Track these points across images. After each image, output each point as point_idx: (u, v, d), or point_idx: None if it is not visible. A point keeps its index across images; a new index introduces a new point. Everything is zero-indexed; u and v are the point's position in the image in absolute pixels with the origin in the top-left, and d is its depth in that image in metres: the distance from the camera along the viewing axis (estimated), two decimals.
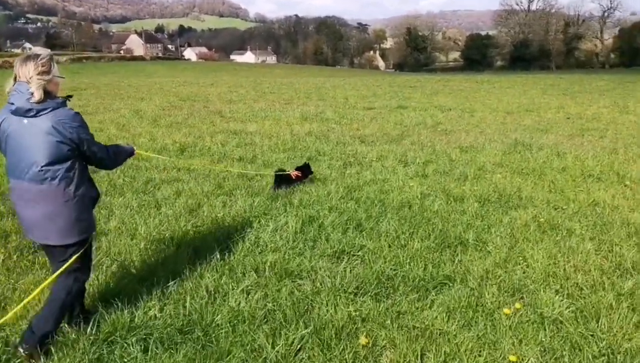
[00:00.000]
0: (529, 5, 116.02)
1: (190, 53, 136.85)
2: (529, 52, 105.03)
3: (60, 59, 58.15)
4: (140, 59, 74.67)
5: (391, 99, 21.55)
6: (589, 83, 31.33)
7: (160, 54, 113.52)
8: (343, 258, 4.56)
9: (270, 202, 6.18)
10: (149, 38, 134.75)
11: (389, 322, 3.52)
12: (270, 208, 5.96)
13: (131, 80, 32.03)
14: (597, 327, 3.50)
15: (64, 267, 3.15)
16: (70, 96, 3.26)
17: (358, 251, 4.72)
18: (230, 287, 3.92)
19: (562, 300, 3.84)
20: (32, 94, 2.92)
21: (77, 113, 3.09)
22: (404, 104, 19.09)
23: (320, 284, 4.00)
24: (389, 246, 4.84)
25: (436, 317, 3.58)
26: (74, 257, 3.16)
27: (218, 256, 4.44)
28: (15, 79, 3.02)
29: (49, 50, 3.28)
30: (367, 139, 10.96)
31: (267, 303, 3.69)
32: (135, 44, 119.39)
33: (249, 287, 3.93)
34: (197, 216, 5.67)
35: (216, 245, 4.70)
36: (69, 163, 3.04)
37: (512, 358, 3.14)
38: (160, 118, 14.08)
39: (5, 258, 4.51)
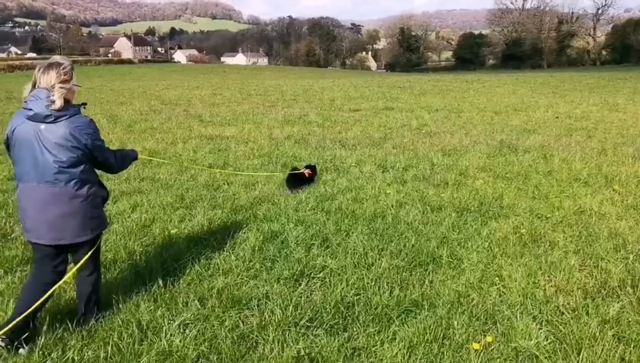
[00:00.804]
0: (523, 4, 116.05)
1: (180, 55, 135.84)
2: (521, 50, 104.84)
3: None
4: (129, 62, 73.89)
5: (378, 100, 21.13)
6: (580, 81, 31.02)
7: (149, 57, 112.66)
8: (301, 282, 4.11)
9: (233, 215, 5.74)
10: (138, 41, 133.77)
11: (341, 361, 3.08)
12: (232, 222, 5.52)
13: (115, 84, 31.47)
14: (578, 362, 3.08)
15: (80, 264, 3.33)
16: (85, 104, 3.36)
17: (319, 272, 4.27)
18: (166, 320, 3.46)
19: (540, 329, 3.41)
20: (52, 101, 3.03)
21: (92, 120, 3.23)
22: (390, 105, 18.68)
23: (270, 316, 3.55)
24: (355, 265, 4.39)
25: (396, 353, 3.14)
26: (89, 253, 3.34)
27: (160, 282, 3.98)
28: (34, 85, 3.13)
29: (68, 59, 3.35)
30: (348, 143, 10.52)
31: (204, 342, 3.24)
32: (124, 47, 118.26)
33: (188, 321, 3.47)
34: (148, 233, 5.21)
35: (161, 268, 4.25)
36: (81, 166, 3.18)
37: None
38: (135, 123, 13.62)
39: None
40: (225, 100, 20.85)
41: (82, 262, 3.32)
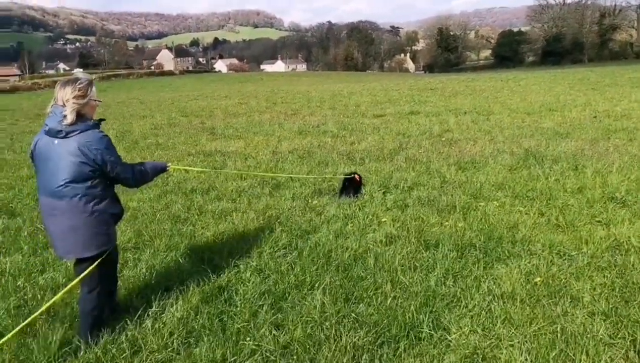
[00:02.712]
0: None
1: (220, 65, 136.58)
2: (561, 46, 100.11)
3: (89, 75, 58.67)
4: (170, 73, 74.49)
5: (405, 104, 19.79)
6: (621, 75, 28.49)
7: (190, 68, 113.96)
8: None
9: (183, 260, 4.70)
10: (179, 52, 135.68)
11: None
12: (176, 270, 4.48)
13: (148, 97, 31.20)
14: None
15: (77, 279, 3.27)
16: (103, 120, 3.34)
17: (246, 360, 3.16)
18: None
19: None
20: (65, 116, 3.06)
21: (104, 136, 3.18)
22: (416, 110, 17.34)
23: None
24: (299, 347, 3.25)
25: None
26: (88, 269, 3.23)
27: None
28: (55, 101, 3.16)
29: (89, 76, 3.48)
30: (356, 156, 9.37)
31: None
32: (166, 59, 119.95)
33: None
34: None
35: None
36: (89, 182, 3.13)
37: None
38: (144, 139, 12.90)
39: None
40: (248, 110, 19.99)
41: (80, 277, 3.25)
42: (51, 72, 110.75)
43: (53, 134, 3.09)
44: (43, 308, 3.21)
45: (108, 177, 3.22)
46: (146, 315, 3.64)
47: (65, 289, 3.34)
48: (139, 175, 3.44)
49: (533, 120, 13.43)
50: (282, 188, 7.31)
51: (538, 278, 3.94)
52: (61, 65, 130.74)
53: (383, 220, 5.62)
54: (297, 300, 3.81)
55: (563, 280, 3.94)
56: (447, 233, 5.01)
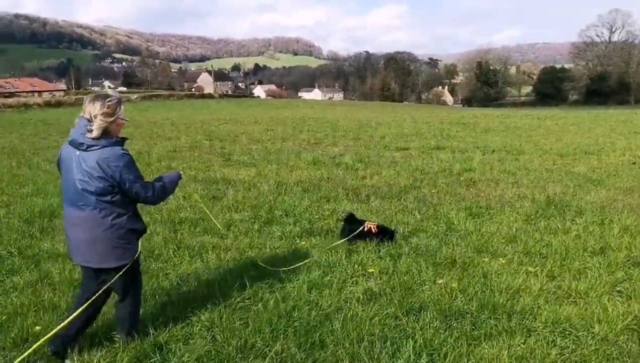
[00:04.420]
0: (610, 37, 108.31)
1: (259, 90, 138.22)
2: (607, 85, 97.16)
3: (132, 96, 60.09)
4: (209, 96, 75.69)
5: (433, 138, 19.10)
6: None
7: (229, 92, 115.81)
8: None
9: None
10: (219, 76, 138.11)
11: None
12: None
13: (184, 118, 31.42)
14: None
15: (104, 288, 3.30)
16: (126, 138, 3.33)
17: None
18: None
19: None
20: (90, 130, 3.08)
21: (125, 154, 3.16)
22: (442, 145, 16.63)
23: None
24: None
25: None
26: (113, 279, 3.27)
27: None
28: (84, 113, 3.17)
29: (119, 94, 3.47)
30: (362, 192, 8.76)
31: None
32: (206, 82, 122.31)
33: None
34: None
35: None
36: (109, 197, 3.14)
37: None
38: (158, 161, 12.67)
39: None
40: (273, 137, 19.66)
41: (104, 287, 3.32)
42: (96, 88, 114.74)
43: (75, 145, 3.12)
44: (78, 311, 3.23)
45: (126, 195, 3.21)
46: None
47: (92, 298, 3.32)
48: (160, 192, 3.40)
49: (565, 163, 12.57)
50: (274, 224, 6.78)
51: None
52: (106, 83, 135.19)
53: (370, 271, 4.98)
54: None
55: None
56: (435, 296, 4.32)
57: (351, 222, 5.97)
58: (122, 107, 3.26)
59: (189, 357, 3.33)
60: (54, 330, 3.15)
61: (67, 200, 3.24)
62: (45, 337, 3.16)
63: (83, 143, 3.09)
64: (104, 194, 3.12)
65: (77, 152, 3.12)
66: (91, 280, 3.40)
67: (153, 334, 3.63)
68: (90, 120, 3.11)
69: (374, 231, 5.79)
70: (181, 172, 3.74)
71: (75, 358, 3.29)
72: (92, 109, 3.12)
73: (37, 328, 3.75)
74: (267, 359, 3.31)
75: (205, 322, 3.81)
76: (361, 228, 5.79)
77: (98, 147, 3.09)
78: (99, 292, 3.30)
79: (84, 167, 3.09)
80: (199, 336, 3.63)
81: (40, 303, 4.23)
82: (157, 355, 3.39)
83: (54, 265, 5.14)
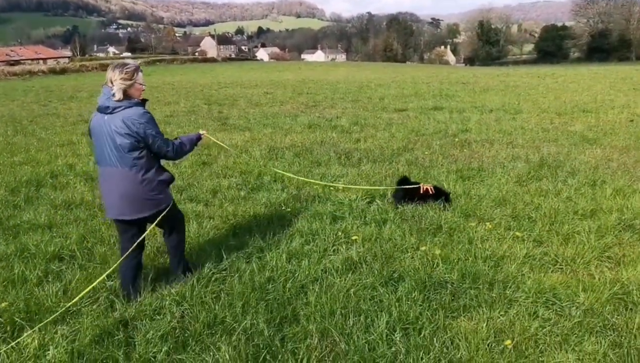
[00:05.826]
0: None
1: (262, 53, 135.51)
2: (608, 42, 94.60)
3: (136, 62, 59.22)
4: (212, 60, 74.24)
5: (431, 98, 18.55)
6: None
7: (233, 55, 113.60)
8: None
9: (107, 280, 3.94)
10: (222, 40, 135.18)
11: None
12: (92, 294, 3.71)
13: (185, 82, 30.83)
14: None
15: (147, 231, 3.65)
16: (146, 100, 3.53)
17: None
18: None
19: None
20: (113, 94, 3.33)
21: (146, 112, 3.42)
22: (440, 105, 16.12)
23: None
24: None
25: None
26: (152, 226, 3.63)
27: None
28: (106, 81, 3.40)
29: (137, 62, 3.64)
30: (354, 156, 8.44)
31: None
32: (209, 46, 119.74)
33: None
34: None
35: None
36: (137, 153, 3.37)
37: None
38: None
39: None
40: (272, 100, 19.17)
41: (147, 232, 3.65)
42: (101, 55, 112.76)
43: (102, 110, 3.34)
44: (123, 258, 3.57)
45: (150, 150, 3.42)
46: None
47: (138, 240, 3.58)
48: (179, 148, 3.61)
49: (562, 122, 12.12)
50: (262, 191, 6.51)
51: (508, 341, 2.98)
52: (111, 49, 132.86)
53: (353, 238, 4.72)
54: (200, 350, 2.99)
55: (542, 345, 2.97)
56: (417, 264, 4.06)
57: (406, 184, 5.71)
58: (141, 73, 3.45)
59: (153, 335, 3.12)
60: (97, 280, 3.50)
61: (101, 161, 3.45)
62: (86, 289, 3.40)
63: (109, 106, 3.31)
64: (132, 150, 3.34)
65: (105, 117, 3.33)
66: (124, 234, 3.64)
67: (119, 310, 3.41)
68: (112, 87, 3.33)
69: (431, 192, 5.55)
70: (203, 133, 4.00)
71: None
72: (113, 75, 3.33)
73: (3, 305, 3.55)
74: (234, 336, 3.09)
75: (175, 296, 3.59)
76: (417, 189, 5.55)
77: (122, 108, 3.31)
78: (147, 231, 3.64)
79: (113, 128, 3.30)
80: (168, 311, 3.42)
81: (11, 277, 4.01)
82: (121, 332, 3.18)
83: (32, 238, 4.92)
